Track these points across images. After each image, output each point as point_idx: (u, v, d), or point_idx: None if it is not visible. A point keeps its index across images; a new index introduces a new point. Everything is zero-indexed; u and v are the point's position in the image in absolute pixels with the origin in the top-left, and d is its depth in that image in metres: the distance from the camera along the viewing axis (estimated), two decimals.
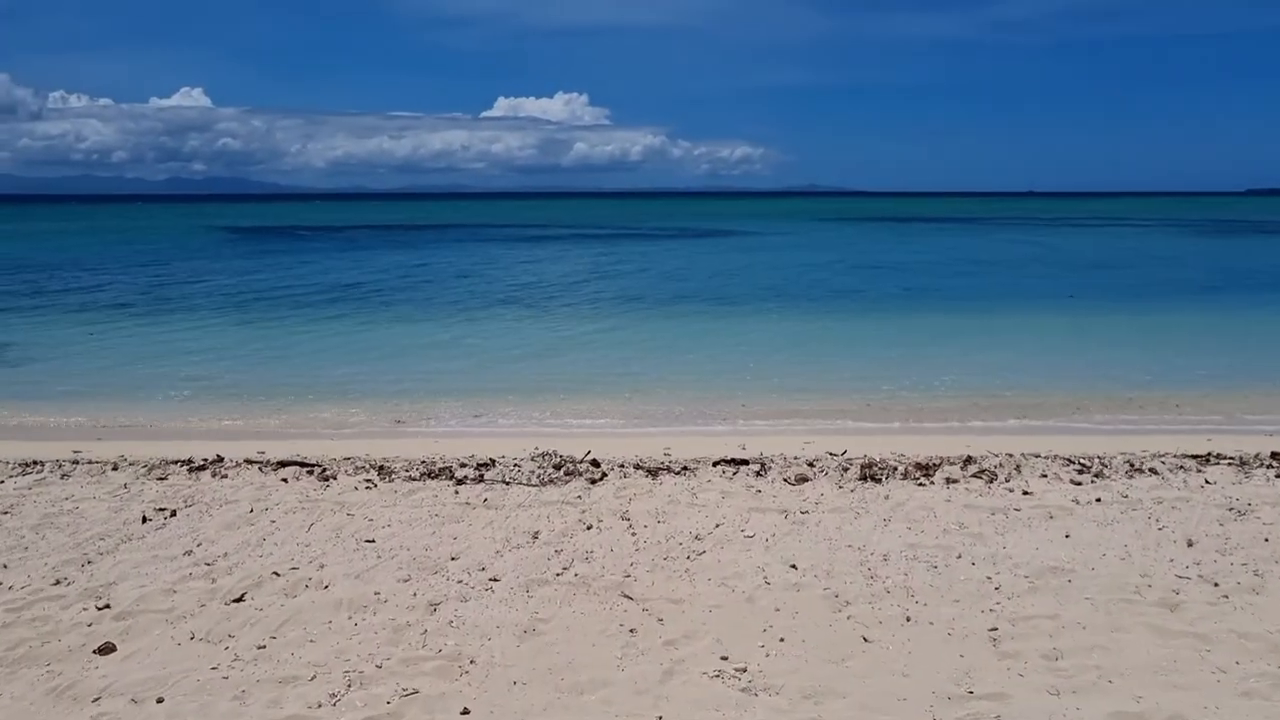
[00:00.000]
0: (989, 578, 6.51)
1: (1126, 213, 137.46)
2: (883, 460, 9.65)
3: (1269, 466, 9.35)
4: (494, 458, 9.85)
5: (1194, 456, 9.79)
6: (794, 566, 6.76)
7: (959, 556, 6.92)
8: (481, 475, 9.17)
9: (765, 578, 6.54)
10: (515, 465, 9.52)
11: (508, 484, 8.87)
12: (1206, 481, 8.81)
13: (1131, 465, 9.31)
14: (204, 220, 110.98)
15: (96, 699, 4.92)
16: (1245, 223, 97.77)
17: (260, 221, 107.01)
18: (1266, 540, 7.24)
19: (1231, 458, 9.77)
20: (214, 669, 5.22)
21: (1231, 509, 7.98)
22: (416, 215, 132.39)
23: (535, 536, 7.42)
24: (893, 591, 6.29)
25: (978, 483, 8.81)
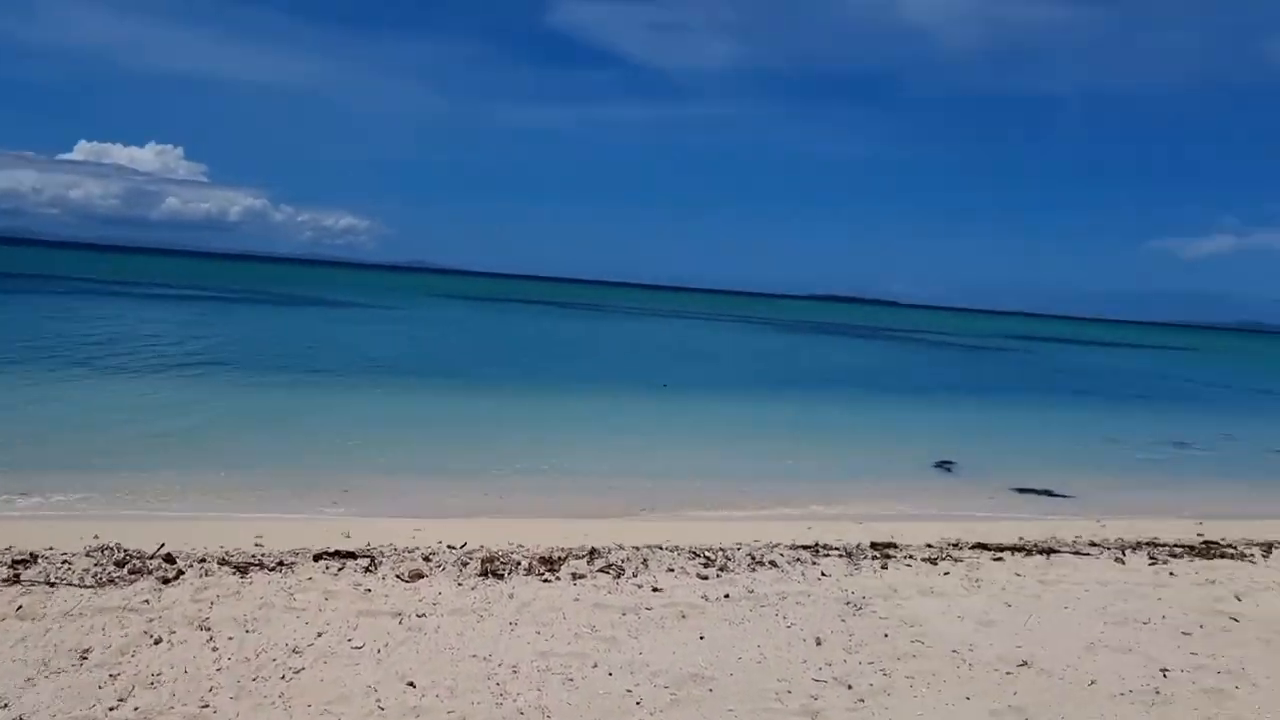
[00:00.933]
0: (629, 690, 5.91)
1: (711, 308, 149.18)
2: (504, 553, 8.90)
3: (873, 558, 9.62)
4: (37, 551, 8.02)
5: (805, 547, 9.91)
6: (412, 684, 5.80)
7: (595, 666, 6.27)
8: (18, 575, 7.35)
9: (378, 701, 5.53)
10: (65, 561, 7.76)
11: (53, 585, 7.16)
12: (823, 574, 8.85)
13: (753, 558, 9.21)
14: None
15: None
16: (810, 323, 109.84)
17: None
18: (886, 636, 7.24)
19: (837, 548, 9.99)
20: None
21: (849, 603, 8.00)
22: None
23: (85, 656, 5.90)
24: (526, 713, 5.50)
25: (605, 578, 8.27)
